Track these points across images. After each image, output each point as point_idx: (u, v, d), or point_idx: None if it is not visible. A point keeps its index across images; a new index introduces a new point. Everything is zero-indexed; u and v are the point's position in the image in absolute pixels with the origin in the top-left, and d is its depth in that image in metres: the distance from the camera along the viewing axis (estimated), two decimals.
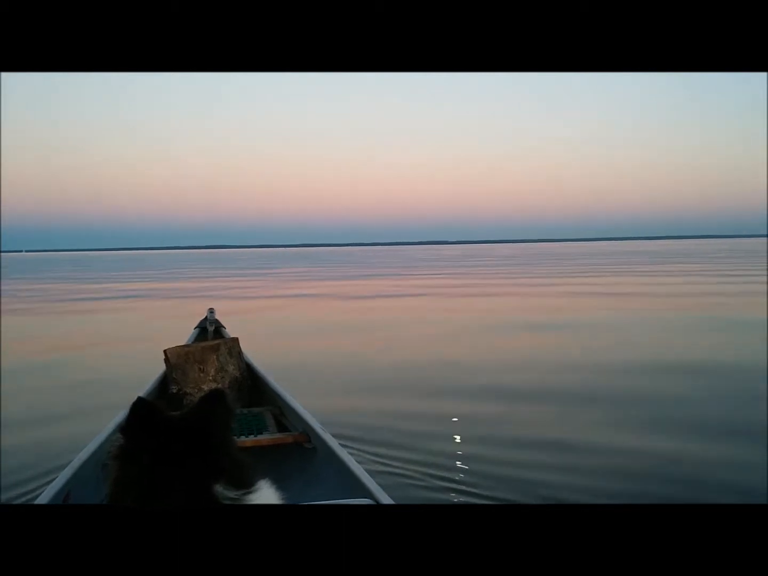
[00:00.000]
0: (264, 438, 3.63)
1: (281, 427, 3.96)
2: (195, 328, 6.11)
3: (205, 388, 4.44)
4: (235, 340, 4.89)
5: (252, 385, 4.79)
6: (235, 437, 3.59)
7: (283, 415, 4.11)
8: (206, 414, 1.42)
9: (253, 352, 5.26)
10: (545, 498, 3.97)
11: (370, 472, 3.00)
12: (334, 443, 3.22)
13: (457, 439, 4.99)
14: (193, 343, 5.31)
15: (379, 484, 2.71)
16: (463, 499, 4.00)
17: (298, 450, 3.58)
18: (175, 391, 4.44)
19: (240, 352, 4.83)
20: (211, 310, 6.16)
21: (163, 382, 4.62)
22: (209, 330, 5.98)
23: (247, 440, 3.59)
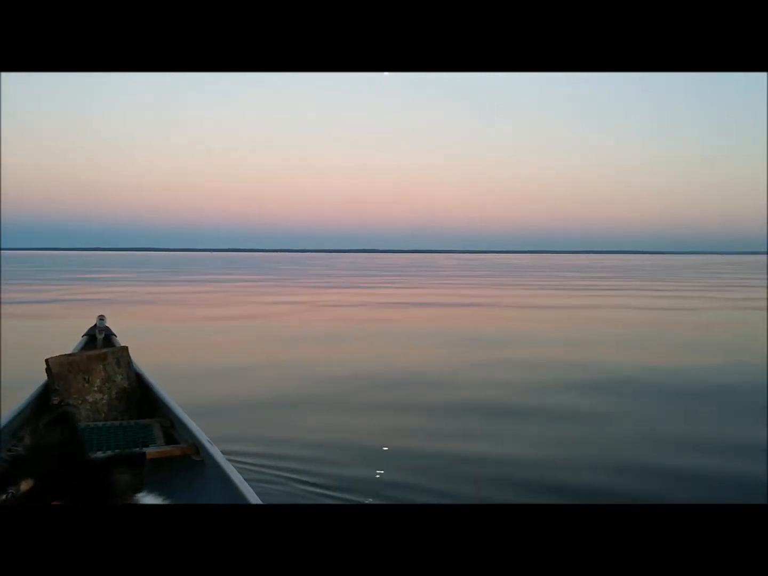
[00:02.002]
0: (151, 450, 3.51)
1: (170, 440, 3.86)
2: (83, 335, 5.88)
3: (90, 399, 4.35)
4: (125, 348, 4.76)
5: (142, 396, 4.68)
6: (120, 451, 3.55)
7: (173, 426, 4.02)
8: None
9: (144, 361, 5.16)
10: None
11: (255, 484, 3.05)
12: (220, 456, 3.21)
13: (348, 449, 4.91)
14: (79, 351, 5.11)
15: (264, 497, 2.75)
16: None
17: (186, 463, 3.53)
18: (56, 402, 4.27)
19: (129, 362, 4.71)
20: (101, 317, 5.98)
21: (44, 393, 4.45)
22: (98, 338, 5.76)
23: None
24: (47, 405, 4.30)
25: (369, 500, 4.03)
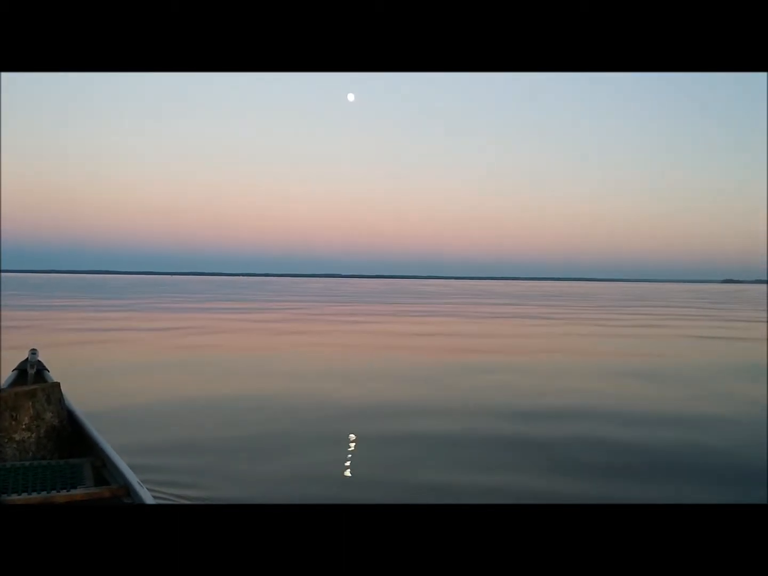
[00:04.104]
0: (78, 492, 3.36)
1: (100, 480, 3.72)
2: (13, 370, 5.59)
3: (17, 437, 4.24)
4: (56, 385, 4.59)
5: (73, 434, 4.52)
6: (46, 492, 3.42)
7: (104, 466, 3.86)
8: None
9: (78, 398, 4.95)
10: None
11: None
12: (150, 499, 3.16)
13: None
14: (8, 387, 4.92)
15: None
16: None
17: (118, 504, 3.34)
18: None
19: (61, 399, 4.54)
20: (33, 351, 5.82)
21: None
22: (30, 373, 5.52)
23: (58, 495, 3.29)
24: None
25: (369, 500, 3.99)
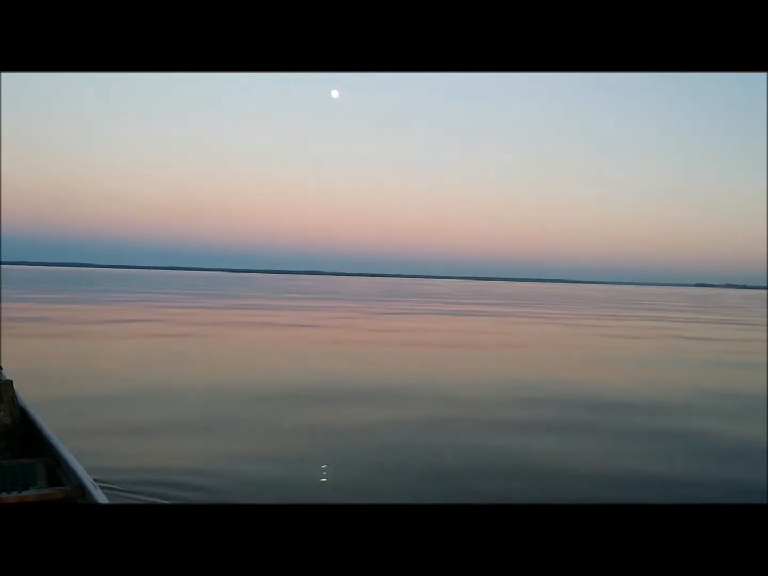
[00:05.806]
0: (30, 494, 3.23)
1: (54, 481, 3.58)
2: None
3: None
4: (9, 383, 4.46)
5: (26, 434, 4.37)
6: None
7: (58, 466, 3.73)
8: None
9: (32, 396, 4.89)
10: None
11: None
12: (104, 499, 3.09)
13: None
14: None
15: None
16: None
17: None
18: None
19: (13, 397, 4.40)
20: None
21: None
22: None
23: (9, 497, 3.18)
24: None
25: (369, 501, 3.97)
